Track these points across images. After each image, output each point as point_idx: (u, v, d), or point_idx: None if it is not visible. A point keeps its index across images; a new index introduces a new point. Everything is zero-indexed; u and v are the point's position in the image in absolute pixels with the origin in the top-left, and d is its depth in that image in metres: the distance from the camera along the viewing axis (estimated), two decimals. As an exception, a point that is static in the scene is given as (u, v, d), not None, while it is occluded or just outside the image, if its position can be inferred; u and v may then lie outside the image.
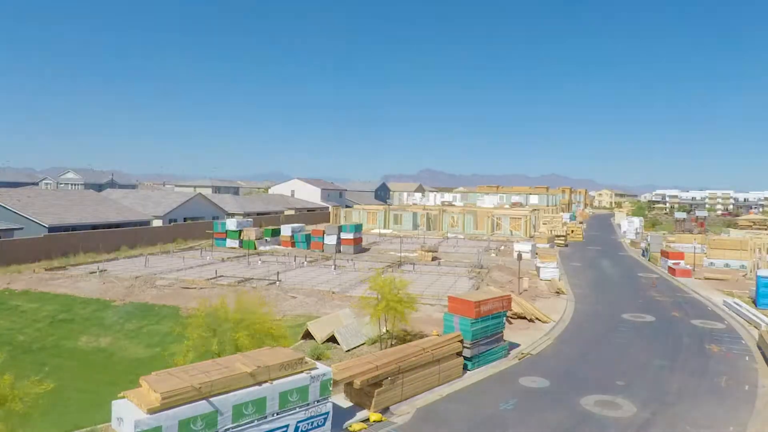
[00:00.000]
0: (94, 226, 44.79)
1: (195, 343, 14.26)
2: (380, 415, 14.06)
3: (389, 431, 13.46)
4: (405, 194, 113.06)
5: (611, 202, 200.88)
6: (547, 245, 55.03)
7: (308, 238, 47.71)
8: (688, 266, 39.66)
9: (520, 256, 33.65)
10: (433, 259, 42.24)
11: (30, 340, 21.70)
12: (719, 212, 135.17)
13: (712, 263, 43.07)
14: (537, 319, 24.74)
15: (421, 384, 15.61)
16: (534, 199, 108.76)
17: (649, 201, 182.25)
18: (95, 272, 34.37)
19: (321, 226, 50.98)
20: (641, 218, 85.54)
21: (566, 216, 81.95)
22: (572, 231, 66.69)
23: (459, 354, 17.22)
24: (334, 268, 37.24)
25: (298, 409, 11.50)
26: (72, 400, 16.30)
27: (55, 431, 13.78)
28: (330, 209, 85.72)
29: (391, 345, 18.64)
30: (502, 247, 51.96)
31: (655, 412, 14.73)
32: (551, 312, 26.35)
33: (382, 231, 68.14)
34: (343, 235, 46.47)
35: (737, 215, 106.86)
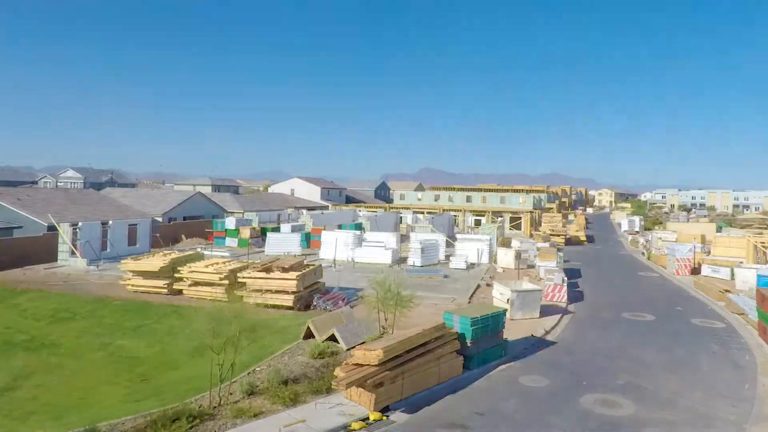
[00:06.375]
0: (94, 225, 44.64)
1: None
2: (380, 414, 14.05)
3: (389, 430, 13.45)
4: (407, 193, 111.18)
5: (612, 202, 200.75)
6: (547, 244, 55.03)
7: (308, 237, 47.62)
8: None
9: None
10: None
11: (29, 339, 21.69)
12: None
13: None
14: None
15: (421, 383, 15.60)
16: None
17: (649, 200, 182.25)
18: (95, 270, 34.40)
19: (320, 225, 50.84)
20: (641, 217, 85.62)
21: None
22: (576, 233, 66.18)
23: (459, 353, 17.23)
24: (334, 267, 37.23)
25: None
26: (71, 398, 16.30)
27: (55, 429, 13.76)
28: (330, 208, 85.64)
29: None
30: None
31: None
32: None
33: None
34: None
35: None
